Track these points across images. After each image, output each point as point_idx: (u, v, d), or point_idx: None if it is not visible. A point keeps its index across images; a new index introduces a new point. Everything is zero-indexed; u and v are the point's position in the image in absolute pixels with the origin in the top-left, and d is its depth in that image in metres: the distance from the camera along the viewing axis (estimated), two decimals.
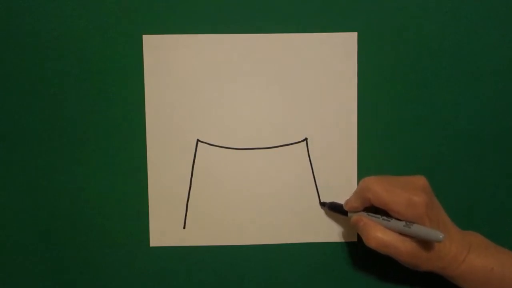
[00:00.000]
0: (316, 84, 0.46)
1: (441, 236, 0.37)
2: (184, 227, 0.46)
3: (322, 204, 0.46)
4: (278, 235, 0.46)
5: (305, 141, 0.46)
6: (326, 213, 0.46)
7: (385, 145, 0.46)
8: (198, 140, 0.46)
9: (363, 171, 0.46)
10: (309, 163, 0.46)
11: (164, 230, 0.46)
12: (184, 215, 0.46)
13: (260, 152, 0.46)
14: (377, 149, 0.46)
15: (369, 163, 0.46)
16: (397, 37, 0.45)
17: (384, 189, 0.40)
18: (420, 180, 0.41)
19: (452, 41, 0.45)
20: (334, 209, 0.45)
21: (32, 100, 0.45)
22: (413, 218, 0.39)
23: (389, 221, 0.40)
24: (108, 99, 0.45)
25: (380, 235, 0.40)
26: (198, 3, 0.45)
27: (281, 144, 0.46)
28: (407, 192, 0.39)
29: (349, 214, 0.43)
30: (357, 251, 0.47)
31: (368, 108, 0.46)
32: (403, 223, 0.39)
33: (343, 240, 0.47)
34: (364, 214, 0.42)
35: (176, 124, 0.46)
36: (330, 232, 0.47)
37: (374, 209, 0.42)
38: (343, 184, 0.46)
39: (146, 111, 0.45)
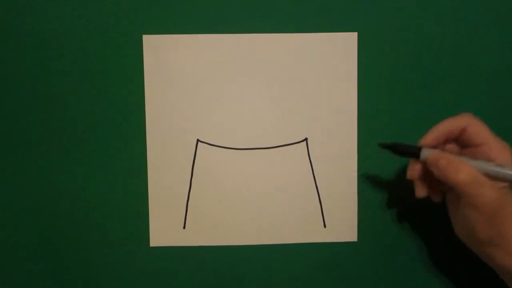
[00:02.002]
0: (316, 84, 0.46)
1: None
2: (184, 227, 0.46)
3: (381, 146, 0.40)
4: (278, 235, 0.46)
5: (305, 141, 0.46)
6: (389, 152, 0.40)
7: None
8: (198, 140, 0.46)
9: (363, 171, 0.46)
10: (309, 163, 0.46)
11: (164, 230, 0.46)
12: (184, 215, 0.46)
13: (260, 152, 0.46)
14: (377, 149, 0.46)
15: (369, 163, 0.46)
16: (397, 37, 0.45)
17: (486, 128, 0.37)
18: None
19: (452, 41, 0.45)
20: (399, 151, 0.39)
21: (32, 100, 0.45)
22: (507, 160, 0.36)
23: (475, 161, 0.36)
24: (108, 99, 0.45)
25: (472, 170, 0.35)
26: (198, 3, 0.45)
27: (281, 144, 0.46)
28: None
29: (422, 153, 0.37)
30: (357, 251, 0.47)
31: (368, 108, 0.46)
32: (494, 163, 0.36)
33: (343, 240, 0.47)
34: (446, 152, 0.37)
35: (176, 124, 0.46)
36: (330, 232, 0.47)
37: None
38: (343, 184, 0.46)
39: (146, 111, 0.45)
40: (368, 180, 0.46)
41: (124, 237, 0.46)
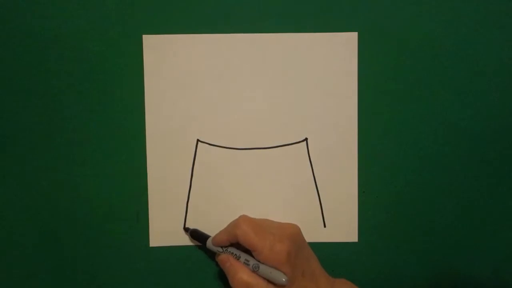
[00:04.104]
0: (316, 84, 0.46)
1: (284, 279, 0.39)
2: (184, 227, 0.46)
3: (186, 230, 0.46)
4: None
5: (305, 141, 0.46)
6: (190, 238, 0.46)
7: (385, 145, 0.46)
8: (198, 140, 0.46)
9: (363, 171, 0.46)
10: (309, 163, 0.46)
11: (164, 230, 0.46)
12: (184, 215, 0.46)
13: (260, 152, 0.46)
14: (377, 149, 0.46)
15: (369, 163, 0.46)
16: (397, 37, 0.45)
17: (253, 230, 0.40)
18: (291, 228, 0.42)
19: (453, 40, 0.45)
20: (196, 238, 0.45)
21: (32, 100, 0.45)
22: (274, 263, 0.39)
23: (248, 261, 0.41)
24: (108, 99, 0.45)
25: (245, 277, 0.40)
26: (198, 3, 0.45)
27: (281, 144, 0.46)
28: (274, 237, 0.40)
29: (216, 249, 0.44)
30: (357, 251, 0.47)
31: (368, 108, 0.46)
32: (253, 263, 0.40)
33: (343, 240, 0.47)
34: (232, 252, 0.42)
35: (176, 124, 0.46)
36: (330, 232, 0.47)
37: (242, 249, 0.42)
38: (343, 184, 0.46)
39: (146, 111, 0.45)
40: (368, 180, 0.46)
41: (124, 237, 0.46)
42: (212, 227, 0.46)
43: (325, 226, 0.47)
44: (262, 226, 0.41)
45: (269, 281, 0.40)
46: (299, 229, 0.43)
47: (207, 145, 0.46)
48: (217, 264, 0.46)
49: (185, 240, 0.46)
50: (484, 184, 0.46)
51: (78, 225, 0.46)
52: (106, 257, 0.46)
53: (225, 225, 0.44)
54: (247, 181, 0.46)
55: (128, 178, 0.46)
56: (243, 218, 0.42)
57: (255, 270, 0.40)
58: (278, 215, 0.46)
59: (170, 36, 0.45)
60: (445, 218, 0.46)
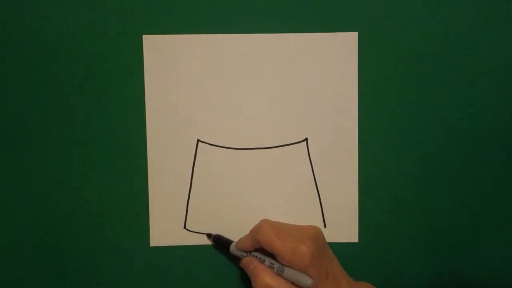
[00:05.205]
0: (316, 84, 0.46)
1: (309, 282, 0.39)
2: (184, 227, 0.46)
3: (208, 236, 0.46)
4: None
5: (305, 141, 0.46)
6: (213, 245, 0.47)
7: (385, 145, 0.46)
8: (198, 140, 0.46)
9: (363, 171, 0.46)
10: (309, 163, 0.46)
11: (164, 230, 0.46)
12: (185, 215, 0.46)
13: (260, 152, 0.46)
14: (377, 149, 0.46)
15: (369, 163, 0.46)
16: (397, 37, 0.45)
17: (275, 234, 0.40)
18: (312, 230, 0.42)
19: (453, 40, 0.45)
20: (219, 243, 0.45)
21: (32, 100, 0.45)
22: (299, 266, 0.39)
23: (273, 265, 0.41)
24: (108, 99, 0.45)
25: (268, 280, 0.40)
26: (198, 3, 0.45)
27: (281, 144, 0.46)
28: (296, 240, 0.40)
29: (240, 254, 0.44)
30: (357, 251, 0.47)
31: (368, 108, 0.46)
32: (277, 267, 0.40)
33: (343, 240, 0.47)
34: (256, 256, 0.42)
35: (176, 124, 0.46)
36: (331, 232, 0.46)
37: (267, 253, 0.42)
38: (343, 185, 0.46)
39: (146, 111, 0.45)
40: (368, 180, 0.46)
41: (124, 237, 0.46)
42: (213, 227, 0.46)
43: (325, 226, 0.47)
44: (283, 229, 0.41)
45: (294, 284, 0.39)
46: (320, 230, 0.43)
47: (207, 145, 0.46)
48: (218, 265, 0.46)
49: (185, 240, 0.46)
50: (484, 184, 0.46)
51: (78, 225, 0.46)
52: (106, 257, 0.46)
53: (225, 225, 0.44)
54: (247, 181, 0.46)
55: (128, 178, 0.46)
56: (265, 222, 0.42)
57: (279, 273, 0.40)
58: (278, 215, 0.46)
59: (170, 36, 0.45)
60: (445, 218, 0.46)
